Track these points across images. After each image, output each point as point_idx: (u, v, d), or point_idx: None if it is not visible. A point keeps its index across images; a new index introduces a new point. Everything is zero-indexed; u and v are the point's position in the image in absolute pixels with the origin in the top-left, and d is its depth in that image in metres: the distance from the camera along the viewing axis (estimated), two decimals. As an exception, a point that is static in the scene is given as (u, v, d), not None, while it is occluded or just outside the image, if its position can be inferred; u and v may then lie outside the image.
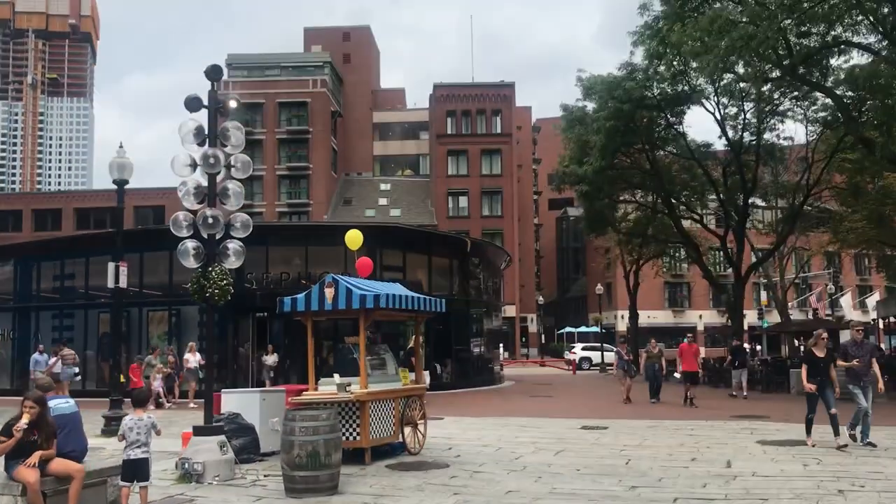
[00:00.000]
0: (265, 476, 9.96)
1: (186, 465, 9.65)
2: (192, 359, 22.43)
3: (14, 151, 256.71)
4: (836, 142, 31.37)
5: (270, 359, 24.76)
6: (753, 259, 37.85)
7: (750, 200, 34.56)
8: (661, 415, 18.14)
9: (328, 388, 10.83)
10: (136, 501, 8.00)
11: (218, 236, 10.38)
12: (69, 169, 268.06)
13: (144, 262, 26.46)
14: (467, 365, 30.36)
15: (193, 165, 10.19)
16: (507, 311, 64.91)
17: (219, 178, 10.46)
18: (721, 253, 42.51)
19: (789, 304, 49.46)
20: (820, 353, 12.21)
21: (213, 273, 10.03)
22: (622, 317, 60.52)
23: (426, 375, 22.40)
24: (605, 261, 55.45)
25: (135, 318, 27.36)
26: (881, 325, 44.65)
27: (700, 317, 66.61)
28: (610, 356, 49.45)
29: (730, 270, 52.07)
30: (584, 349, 53.99)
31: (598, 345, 50.91)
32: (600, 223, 40.07)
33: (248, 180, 55.63)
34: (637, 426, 15.74)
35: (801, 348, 46.73)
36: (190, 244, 10.08)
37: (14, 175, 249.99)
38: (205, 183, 10.24)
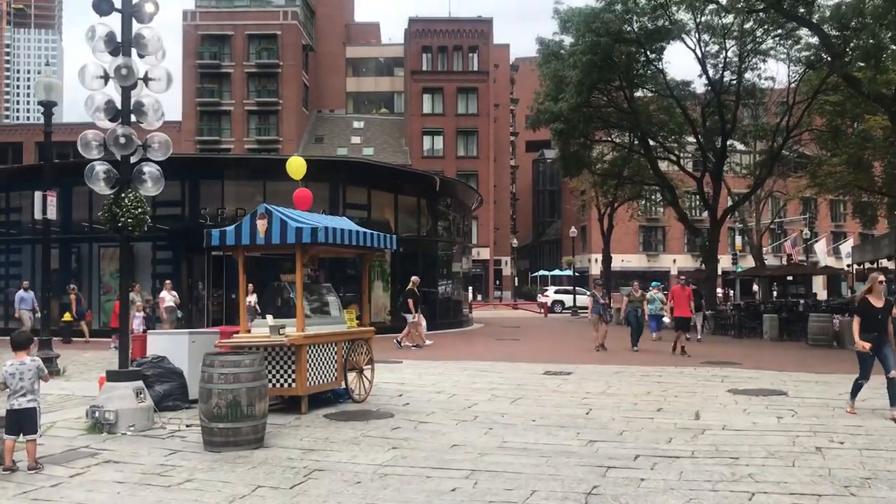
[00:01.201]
0: (187, 426, 8.98)
1: (97, 414, 8.66)
2: (168, 297, 21.12)
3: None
4: (819, 83, 30.39)
5: (252, 298, 22.53)
6: (730, 203, 37.06)
7: (728, 142, 33.57)
8: (629, 360, 17.37)
9: (262, 330, 9.82)
10: (24, 457, 7.02)
11: (135, 159, 9.22)
12: (38, 103, 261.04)
13: (94, 196, 25.01)
14: (434, 307, 29.41)
15: (105, 77, 8.95)
16: (482, 254, 64.22)
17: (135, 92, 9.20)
18: (697, 197, 41.75)
19: (764, 249, 48.98)
20: (878, 303, 9.87)
21: (127, 200, 8.89)
22: (596, 260, 59.91)
23: (420, 318, 21.52)
24: (579, 202, 54.53)
25: (85, 255, 26.22)
26: (854, 272, 44.53)
27: (674, 261, 66.16)
28: (582, 299, 49.03)
29: (705, 215, 51.55)
30: (556, 292, 53.53)
31: (571, 288, 50.36)
32: (575, 164, 38.85)
33: (215, 115, 54.05)
34: (603, 372, 14.95)
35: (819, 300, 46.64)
36: (99, 167, 8.91)
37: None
38: (118, 97, 9.01)
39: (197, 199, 25.31)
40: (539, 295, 57.08)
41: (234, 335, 10.06)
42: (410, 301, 21.11)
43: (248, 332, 10.10)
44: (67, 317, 22.86)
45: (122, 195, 8.93)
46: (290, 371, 9.59)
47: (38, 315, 22.81)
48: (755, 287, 53.14)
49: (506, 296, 69.55)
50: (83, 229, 25.74)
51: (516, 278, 76.64)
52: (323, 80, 75.64)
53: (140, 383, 9.00)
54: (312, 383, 9.80)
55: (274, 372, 9.63)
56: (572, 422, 9.43)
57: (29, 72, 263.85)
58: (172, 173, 26.14)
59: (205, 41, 67.91)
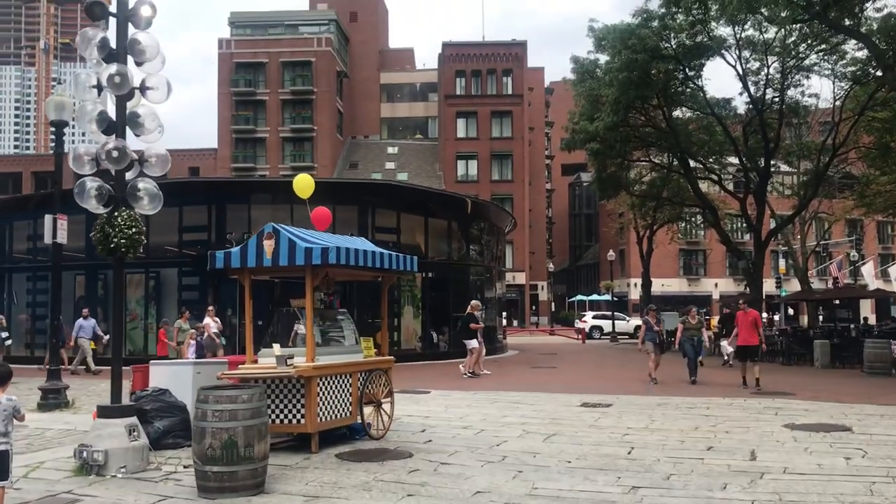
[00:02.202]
0: (185, 467, 8.15)
1: (84, 454, 7.86)
2: (213, 323, 20.14)
3: (28, 117, 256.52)
4: (867, 98, 29.16)
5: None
6: (773, 226, 35.70)
7: (772, 162, 32.28)
8: (673, 391, 16.24)
9: (269, 360, 8.98)
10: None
11: (132, 175, 8.50)
12: (82, 134, 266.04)
13: (119, 221, 24.59)
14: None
15: (99, 87, 8.28)
16: (517, 279, 63.14)
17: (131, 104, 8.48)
18: (738, 219, 40.52)
19: (808, 272, 47.27)
20: None
21: (120, 219, 8.15)
22: (635, 285, 58.53)
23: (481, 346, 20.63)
24: (617, 225, 53.30)
25: (111, 282, 25.69)
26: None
27: (716, 285, 64.40)
28: (622, 325, 47.71)
29: (747, 237, 50.03)
30: (594, 318, 52.20)
31: (610, 313, 49.08)
32: (612, 185, 37.87)
33: (251, 143, 53.67)
34: (645, 404, 13.86)
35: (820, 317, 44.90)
36: (90, 183, 8.19)
37: (28, 140, 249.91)
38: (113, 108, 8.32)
39: (223, 223, 24.78)
40: (577, 320, 55.78)
41: (240, 366, 9.25)
42: (473, 326, 20.36)
43: (255, 362, 9.28)
44: (91, 345, 22.36)
45: (116, 214, 8.20)
46: (298, 406, 8.73)
47: (104, 340, 22.72)
48: (790, 311, 51.32)
49: (542, 321, 68.25)
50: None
51: (553, 303, 75.28)
52: (357, 106, 75.54)
53: (134, 420, 8.20)
54: (324, 419, 8.92)
55: (282, 406, 8.79)
56: (612, 463, 8.42)
57: (74, 104, 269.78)
58: (199, 198, 25.80)
59: (240, 69, 68.22)
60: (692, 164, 34.33)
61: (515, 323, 62.24)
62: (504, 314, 39.35)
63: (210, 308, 20.87)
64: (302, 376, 8.60)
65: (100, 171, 8.38)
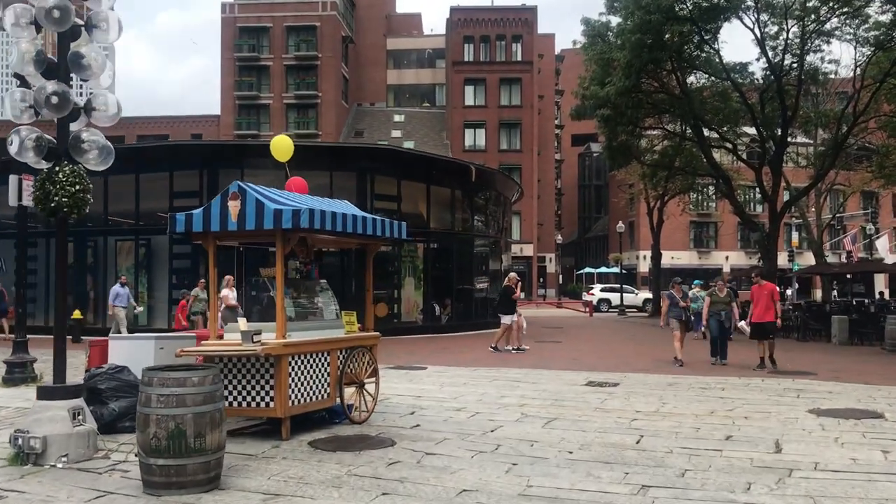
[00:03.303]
0: (136, 455, 7.22)
1: (20, 441, 6.95)
2: (232, 295, 18.61)
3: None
4: (890, 64, 27.85)
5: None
6: (787, 198, 34.53)
7: (789, 131, 31.00)
8: (684, 370, 15.27)
9: (234, 335, 8.02)
10: None
11: (79, 126, 7.50)
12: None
13: (109, 186, 23.68)
14: (470, 306, 27.62)
15: (38, 24, 7.25)
16: (525, 251, 62.12)
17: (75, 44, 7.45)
18: (750, 191, 39.30)
19: (822, 245, 46.05)
20: None
21: (61, 174, 7.16)
22: (644, 257, 57.45)
23: (520, 319, 19.54)
24: (627, 196, 52.08)
25: (100, 249, 24.92)
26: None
27: (726, 258, 63.17)
28: (630, 298, 46.78)
29: (759, 209, 48.78)
30: (602, 290, 51.32)
31: (618, 286, 48.12)
32: (623, 154, 36.65)
33: (254, 109, 52.00)
34: (654, 384, 12.90)
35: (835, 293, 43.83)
36: (26, 132, 7.19)
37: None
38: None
39: (216, 188, 23.68)
40: (584, 293, 54.84)
41: (203, 342, 8.30)
42: (514, 295, 19.35)
43: (221, 337, 8.32)
44: (77, 314, 21.53)
45: (57, 169, 7.20)
46: (267, 387, 7.77)
47: (138, 310, 22.08)
48: (795, 285, 50.27)
49: (550, 294, 67.33)
50: (105, 221, 24.46)
51: (561, 276, 74.26)
52: (363, 72, 74.08)
53: (79, 402, 7.26)
54: (297, 402, 7.96)
55: (248, 388, 7.84)
56: (619, 455, 7.46)
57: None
58: (191, 162, 24.78)
59: (243, 34, 66.85)
60: (706, 132, 33.08)
61: (522, 295, 61.29)
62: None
63: (228, 277, 19.37)
64: (270, 355, 7.63)
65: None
